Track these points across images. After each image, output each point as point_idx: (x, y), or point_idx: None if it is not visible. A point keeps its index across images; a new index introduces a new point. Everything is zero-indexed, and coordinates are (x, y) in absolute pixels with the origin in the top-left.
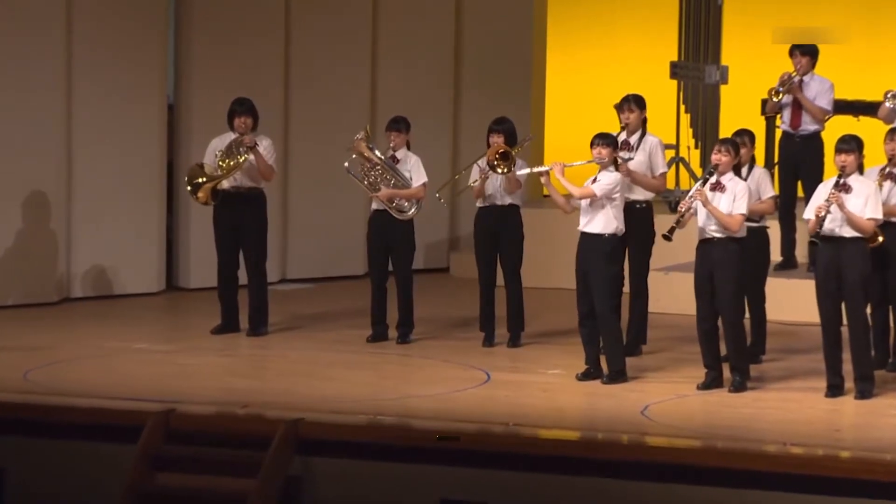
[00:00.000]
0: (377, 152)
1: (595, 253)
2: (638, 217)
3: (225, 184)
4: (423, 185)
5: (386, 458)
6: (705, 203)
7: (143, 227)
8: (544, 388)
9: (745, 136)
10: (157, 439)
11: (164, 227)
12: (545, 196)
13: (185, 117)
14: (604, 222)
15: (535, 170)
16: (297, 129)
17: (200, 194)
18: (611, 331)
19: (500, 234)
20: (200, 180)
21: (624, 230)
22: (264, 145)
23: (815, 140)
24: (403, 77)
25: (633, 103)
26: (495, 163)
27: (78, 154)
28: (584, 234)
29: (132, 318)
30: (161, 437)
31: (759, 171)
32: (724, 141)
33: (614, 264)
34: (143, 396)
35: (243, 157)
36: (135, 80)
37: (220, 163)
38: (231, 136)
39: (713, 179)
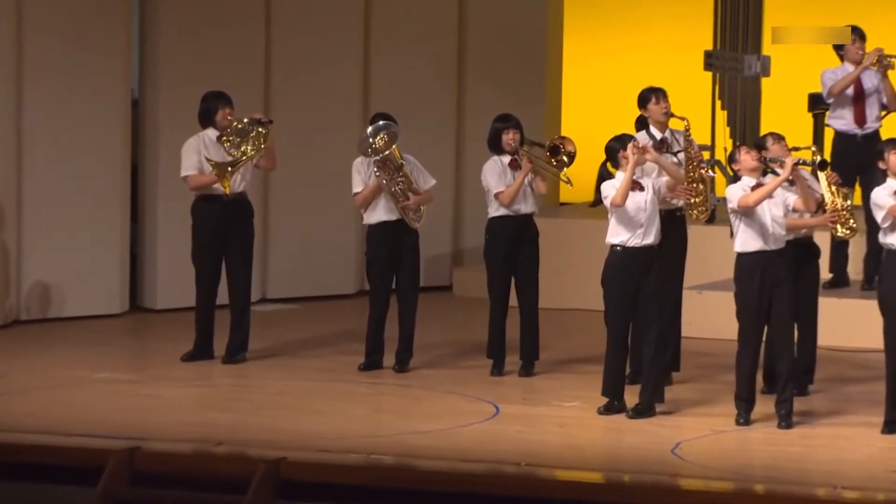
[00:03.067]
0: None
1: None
2: (676, 226)
3: (235, 189)
4: (432, 187)
5: (381, 502)
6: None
7: (103, 239)
8: (561, 423)
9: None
10: (119, 481)
11: (127, 238)
12: (562, 204)
13: (151, 114)
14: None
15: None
16: (279, 128)
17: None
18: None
19: (519, 247)
20: (229, 170)
21: None
22: None
23: (877, 140)
24: (399, 70)
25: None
26: (548, 153)
27: (29, 156)
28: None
29: (91, 343)
30: (124, 479)
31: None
32: None
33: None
34: (103, 433)
35: (267, 130)
36: (94, 73)
37: (237, 150)
38: (211, 135)
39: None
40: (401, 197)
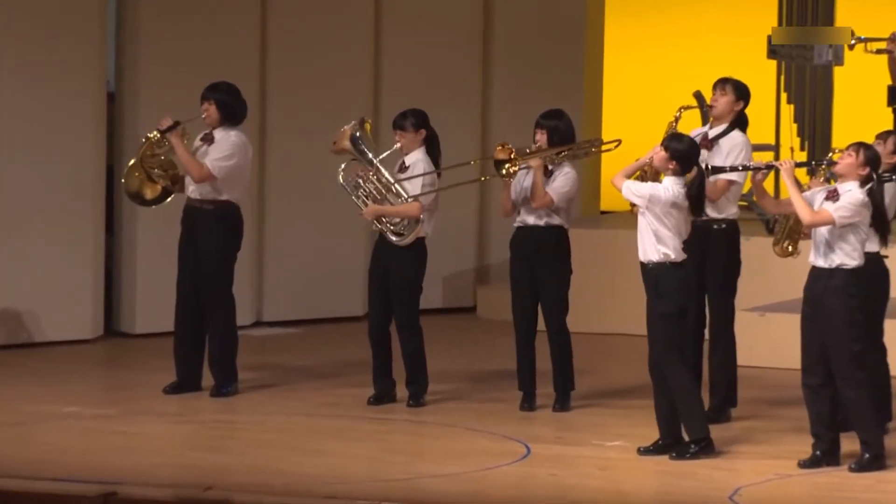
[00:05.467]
0: (370, 154)
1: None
2: (716, 240)
3: (191, 195)
4: (416, 199)
5: None
6: (786, 175)
7: (74, 254)
8: (602, 466)
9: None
10: None
11: (101, 253)
12: (603, 213)
13: (129, 108)
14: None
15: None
16: (276, 126)
17: (147, 192)
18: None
19: (540, 262)
20: (136, 175)
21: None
22: (220, 142)
23: None
24: (415, 55)
25: (730, 85)
26: (497, 161)
27: None
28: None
29: (60, 373)
30: None
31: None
32: (860, 144)
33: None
34: (73, 476)
35: (145, 138)
36: (65, 62)
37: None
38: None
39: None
40: (360, 204)
